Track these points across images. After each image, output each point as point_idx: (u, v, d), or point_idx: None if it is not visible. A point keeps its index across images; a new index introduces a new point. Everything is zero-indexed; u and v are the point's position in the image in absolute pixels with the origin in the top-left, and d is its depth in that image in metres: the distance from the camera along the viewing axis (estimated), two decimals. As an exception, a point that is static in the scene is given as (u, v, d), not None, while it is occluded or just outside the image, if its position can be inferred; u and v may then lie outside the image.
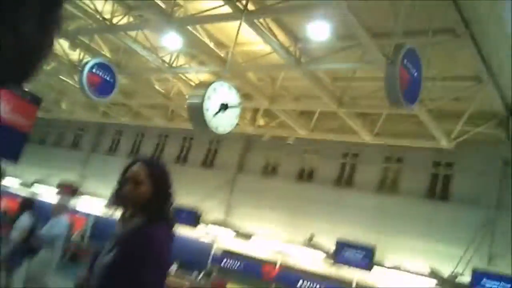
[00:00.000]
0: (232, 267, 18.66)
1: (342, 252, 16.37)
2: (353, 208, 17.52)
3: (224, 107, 9.59)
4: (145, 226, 2.80)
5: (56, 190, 24.12)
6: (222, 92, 9.68)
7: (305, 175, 19.94)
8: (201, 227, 19.77)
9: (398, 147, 16.70)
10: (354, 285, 16.49)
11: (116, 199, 2.99)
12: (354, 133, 16.20)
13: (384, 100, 9.90)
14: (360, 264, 16.00)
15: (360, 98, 14.76)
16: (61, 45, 16.71)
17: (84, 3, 13.18)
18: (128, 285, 2.68)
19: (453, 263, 14.74)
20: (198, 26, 13.18)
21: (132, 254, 2.70)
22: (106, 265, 2.75)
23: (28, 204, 11.74)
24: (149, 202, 2.86)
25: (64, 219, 10.74)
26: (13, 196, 19.66)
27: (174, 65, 15.42)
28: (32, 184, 25.74)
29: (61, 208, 10.95)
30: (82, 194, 23.70)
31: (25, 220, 11.00)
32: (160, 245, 2.82)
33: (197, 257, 18.31)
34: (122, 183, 2.95)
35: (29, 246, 10.48)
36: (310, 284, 16.79)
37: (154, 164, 3.09)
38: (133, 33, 14.37)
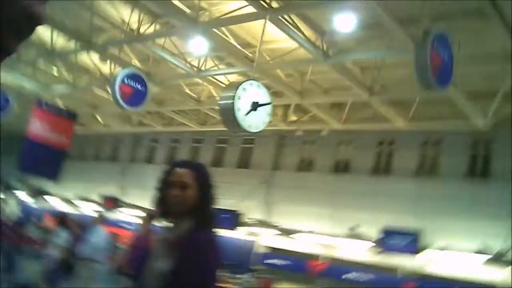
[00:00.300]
0: (276, 265, 18.70)
1: (388, 240, 16.29)
2: (393, 195, 17.39)
3: (255, 105, 9.64)
4: (195, 230, 2.77)
5: (97, 203, 24.50)
6: (252, 91, 9.73)
7: (341, 167, 19.87)
8: (242, 227, 19.87)
9: (435, 130, 16.55)
10: (401, 271, 16.40)
11: (161, 205, 2.91)
12: (388, 121, 16.10)
13: (416, 85, 9.81)
14: (407, 249, 15.90)
15: (391, 85, 14.64)
16: (92, 58, 16.98)
17: (110, 15, 13.35)
18: None
19: (499, 240, 14.53)
20: (223, 28, 13.24)
21: (189, 260, 2.69)
22: (164, 272, 2.71)
23: (65, 220, 11.96)
24: (196, 206, 2.82)
25: (102, 230, 10.88)
26: (54, 213, 20.00)
27: (202, 69, 15.53)
28: (73, 199, 26.14)
29: (99, 220, 11.15)
30: (123, 204, 23.98)
31: (62, 237, 11.20)
32: (212, 248, 2.82)
33: (240, 258, 18.34)
34: (163, 188, 2.90)
35: (67, 263, 10.66)
36: (357, 275, 16.74)
37: (198, 167, 3.01)
38: (160, 41, 14.51)
